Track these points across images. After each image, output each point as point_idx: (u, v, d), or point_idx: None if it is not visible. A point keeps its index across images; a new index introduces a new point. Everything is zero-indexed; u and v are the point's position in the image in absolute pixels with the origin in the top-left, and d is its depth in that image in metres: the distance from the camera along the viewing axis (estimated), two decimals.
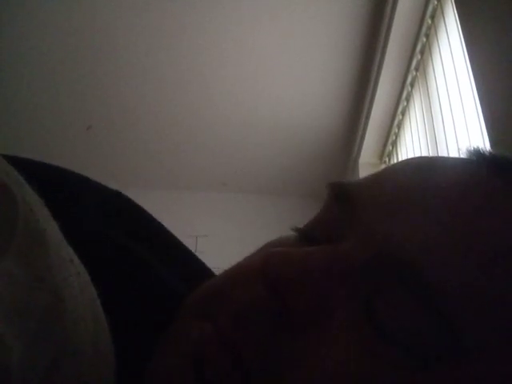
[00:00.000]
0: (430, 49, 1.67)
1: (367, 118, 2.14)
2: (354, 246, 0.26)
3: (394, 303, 0.24)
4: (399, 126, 2.08)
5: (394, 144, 2.15)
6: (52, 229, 0.22)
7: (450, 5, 1.44)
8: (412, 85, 1.89)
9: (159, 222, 0.39)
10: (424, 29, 1.70)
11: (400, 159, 2.04)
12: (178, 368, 0.25)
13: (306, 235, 0.30)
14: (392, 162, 2.18)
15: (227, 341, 0.25)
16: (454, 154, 1.38)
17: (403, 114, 2.02)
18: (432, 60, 1.64)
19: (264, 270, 0.25)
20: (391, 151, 2.20)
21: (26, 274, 0.19)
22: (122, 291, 0.29)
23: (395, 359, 0.23)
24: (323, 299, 0.24)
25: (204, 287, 0.31)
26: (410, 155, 1.87)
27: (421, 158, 0.34)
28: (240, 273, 0.29)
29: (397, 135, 2.12)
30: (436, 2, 1.59)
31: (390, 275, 0.24)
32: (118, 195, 0.38)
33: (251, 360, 0.24)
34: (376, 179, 0.31)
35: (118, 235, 0.33)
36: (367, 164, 2.31)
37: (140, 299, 0.31)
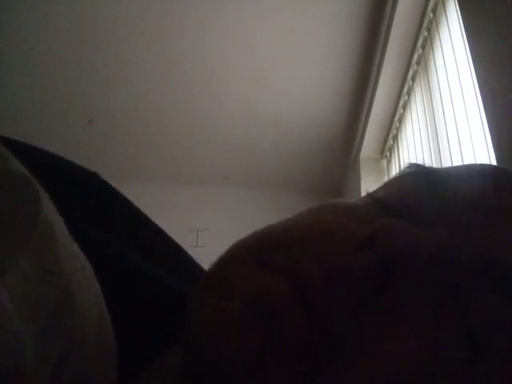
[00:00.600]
0: (431, 43, 1.66)
1: (368, 112, 2.13)
2: (453, 239, 0.26)
3: (485, 302, 0.24)
4: (400, 121, 2.07)
5: (395, 138, 2.15)
6: (58, 223, 0.22)
7: None
8: (413, 79, 1.88)
9: (149, 218, 0.39)
10: (425, 23, 1.69)
11: (401, 154, 2.04)
12: (243, 315, 0.23)
13: (385, 207, 0.30)
14: (393, 157, 2.18)
15: (311, 300, 0.23)
16: (455, 148, 1.37)
17: (404, 108, 2.01)
18: (433, 54, 1.63)
19: (381, 237, 0.24)
20: (392, 146, 2.19)
21: (36, 267, 0.19)
22: (117, 289, 0.29)
23: (471, 354, 0.23)
24: (423, 282, 0.24)
25: (263, 236, 0.28)
26: (411, 150, 1.86)
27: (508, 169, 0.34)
28: (331, 232, 0.27)
29: (398, 130, 2.11)
30: None
31: (487, 279, 0.25)
32: (99, 184, 0.37)
33: (330, 329, 0.22)
34: (469, 177, 0.31)
35: (109, 234, 0.33)
36: (368, 159, 2.31)
37: (135, 297, 0.31)
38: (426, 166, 0.33)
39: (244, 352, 0.22)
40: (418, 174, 0.32)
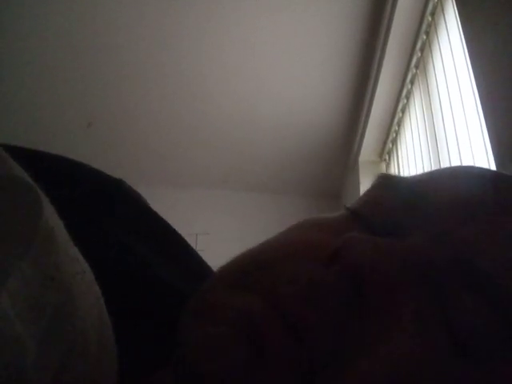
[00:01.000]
0: (430, 46, 1.67)
1: (367, 115, 2.14)
2: (428, 244, 0.26)
3: (462, 302, 0.24)
4: (399, 124, 2.08)
5: (394, 142, 2.15)
6: (59, 227, 0.22)
7: (450, 2, 1.44)
8: (412, 82, 1.89)
9: (163, 219, 0.39)
10: (424, 26, 1.70)
11: (400, 157, 2.04)
12: (227, 338, 0.23)
13: (361, 218, 0.30)
14: (392, 160, 2.18)
15: (293, 318, 0.23)
16: (454, 152, 1.38)
17: (403, 111, 2.02)
18: (432, 57, 1.64)
19: (343, 253, 0.25)
20: (391, 149, 2.20)
21: (37, 272, 0.19)
22: (121, 291, 0.29)
23: (456, 354, 0.23)
24: (398, 290, 0.25)
25: (242, 259, 0.30)
26: (410, 153, 1.87)
27: (483, 169, 0.35)
28: (303, 250, 0.28)
29: (397, 133, 2.11)
30: (436, 0, 1.59)
31: (463, 279, 0.25)
32: (123, 191, 0.37)
33: (317, 342, 0.23)
34: (443, 182, 0.31)
35: (120, 233, 0.33)
36: (367, 162, 2.32)
37: (140, 299, 0.31)
38: (398, 175, 0.34)
39: (233, 374, 0.22)
40: (392, 183, 0.32)
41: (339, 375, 0.22)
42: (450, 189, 0.30)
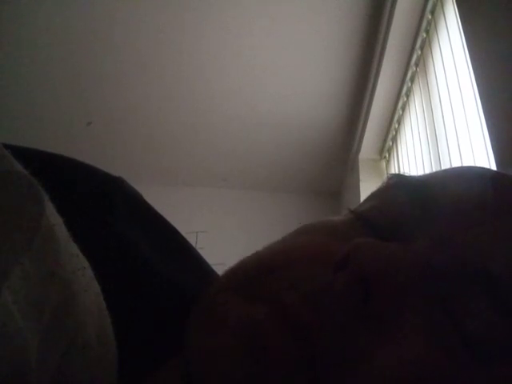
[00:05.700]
0: (430, 44, 1.67)
1: (367, 113, 2.14)
2: (435, 248, 0.26)
3: (473, 306, 0.24)
4: (399, 122, 2.07)
5: (394, 140, 2.15)
6: (59, 224, 0.22)
7: (450, 0, 1.44)
8: (412, 80, 1.89)
9: (162, 217, 0.39)
10: (424, 24, 1.69)
11: (400, 155, 2.04)
12: (230, 350, 0.23)
13: (367, 222, 0.30)
14: (392, 158, 2.18)
15: (297, 323, 0.23)
16: (454, 149, 1.37)
17: (403, 109, 2.01)
18: (432, 55, 1.64)
19: (353, 258, 0.25)
20: (391, 147, 2.20)
21: (38, 268, 0.19)
22: (121, 288, 0.29)
23: (467, 357, 0.24)
24: (408, 296, 0.25)
25: (250, 263, 0.30)
26: (410, 151, 1.87)
27: (488, 170, 0.34)
28: (309, 255, 0.28)
29: (397, 131, 2.11)
30: None
31: (473, 283, 0.25)
32: (123, 189, 0.38)
33: (322, 347, 0.23)
34: (449, 184, 0.31)
35: (119, 230, 0.33)
36: (367, 160, 2.31)
37: (140, 295, 0.31)
38: (408, 175, 0.33)
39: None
40: (400, 185, 0.32)
41: (347, 377, 0.22)
42: (456, 191, 0.30)
